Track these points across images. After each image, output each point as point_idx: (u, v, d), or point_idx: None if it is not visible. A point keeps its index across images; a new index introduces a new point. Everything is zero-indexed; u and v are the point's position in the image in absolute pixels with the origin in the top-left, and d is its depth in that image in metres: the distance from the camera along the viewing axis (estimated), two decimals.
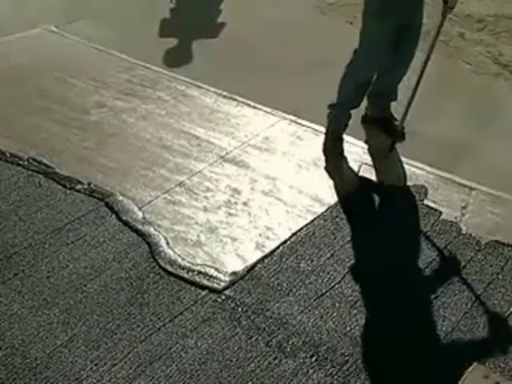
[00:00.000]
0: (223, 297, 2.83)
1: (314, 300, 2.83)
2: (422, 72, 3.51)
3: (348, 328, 2.71)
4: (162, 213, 3.27)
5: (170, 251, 3.03)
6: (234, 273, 2.94)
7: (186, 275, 2.91)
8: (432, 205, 3.36)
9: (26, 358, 2.55)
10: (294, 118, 3.99)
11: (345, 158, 3.69)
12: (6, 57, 4.58)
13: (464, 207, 3.35)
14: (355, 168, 3.61)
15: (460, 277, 2.95)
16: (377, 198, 3.43)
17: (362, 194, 3.43)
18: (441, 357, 2.60)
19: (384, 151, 3.72)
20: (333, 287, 2.89)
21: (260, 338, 2.66)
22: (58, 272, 2.92)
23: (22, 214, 3.23)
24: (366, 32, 3.49)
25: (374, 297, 2.88)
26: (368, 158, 3.68)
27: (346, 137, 3.81)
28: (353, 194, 3.43)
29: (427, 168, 3.61)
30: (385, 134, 3.84)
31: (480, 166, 3.63)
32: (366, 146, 3.78)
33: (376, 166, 3.63)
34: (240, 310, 2.77)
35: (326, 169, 3.59)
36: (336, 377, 2.52)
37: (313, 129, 3.92)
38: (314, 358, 2.58)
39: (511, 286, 2.91)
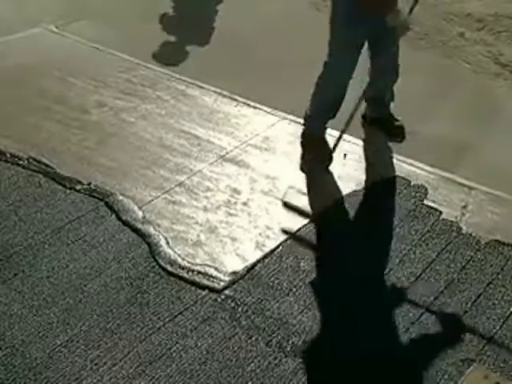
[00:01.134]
0: (223, 296, 2.83)
1: (314, 300, 2.83)
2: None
3: (348, 328, 2.71)
4: (162, 213, 3.27)
5: (169, 251, 3.03)
6: (233, 272, 2.94)
7: (185, 275, 2.91)
8: (432, 205, 3.36)
9: (26, 358, 2.55)
10: (293, 117, 3.99)
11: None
12: (6, 57, 4.58)
13: (464, 207, 3.35)
14: (350, 168, 3.62)
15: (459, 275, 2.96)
16: (376, 198, 3.43)
17: (362, 194, 3.43)
18: (440, 357, 2.60)
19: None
20: (333, 287, 2.89)
21: (260, 337, 2.66)
22: (57, 272, 2.92)
23: (22, 214, 3.23)
24: (334, 42, 3.41)
25: (374, 296, 2.88)
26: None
27: (345, 136, 3.81)
28: (352, 194, 3.43)
29: (427, 168, 3.61)
30: (385, 134, 3.84)
31: (480, 165, 3.62)
32: (365, 146, 3.79)
33: None
34: (240, 309, 2.77)
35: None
36: (336, 377, 2.53)
37: None
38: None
39: (511, 286, 2.91)
